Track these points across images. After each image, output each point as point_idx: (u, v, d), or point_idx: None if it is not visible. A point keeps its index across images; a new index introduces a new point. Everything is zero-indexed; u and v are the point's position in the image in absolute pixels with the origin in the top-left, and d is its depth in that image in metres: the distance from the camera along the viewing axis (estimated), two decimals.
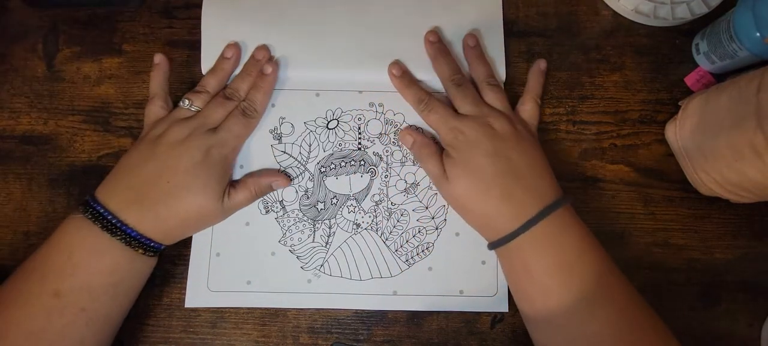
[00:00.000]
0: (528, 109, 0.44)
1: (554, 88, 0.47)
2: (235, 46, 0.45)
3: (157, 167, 0.39)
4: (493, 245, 0.40)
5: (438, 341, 0.43)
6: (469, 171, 0.39)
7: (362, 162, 0.45)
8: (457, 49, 0.46)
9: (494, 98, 0.43)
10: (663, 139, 0.45)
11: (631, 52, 0.47)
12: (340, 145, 0.45)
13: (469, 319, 0.43)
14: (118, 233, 0.37)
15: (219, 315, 0.43)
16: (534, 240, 0.38)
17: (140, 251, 0.38)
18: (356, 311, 0.43)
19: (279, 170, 0.44)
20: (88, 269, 0.36)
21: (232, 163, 0.43)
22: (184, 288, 0.43)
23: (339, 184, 0.44)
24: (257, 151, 0.45)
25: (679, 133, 0.43)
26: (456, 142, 0.40)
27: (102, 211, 0.37)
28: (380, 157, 0.45)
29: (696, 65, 0.47)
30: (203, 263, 0.43)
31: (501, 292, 0.43)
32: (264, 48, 0.45)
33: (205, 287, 0.43)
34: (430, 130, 0.44)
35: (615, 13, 0.48)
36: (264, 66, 0.44)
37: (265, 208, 0.44)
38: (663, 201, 0.45)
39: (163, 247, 0.40)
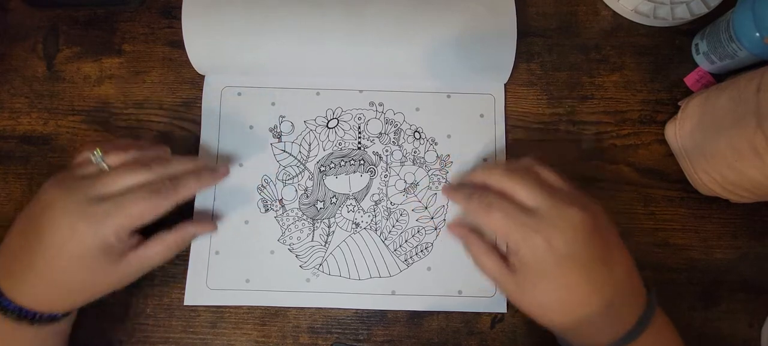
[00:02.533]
0: (550, 174, 0.37)
1: (554, 88, 0.47)
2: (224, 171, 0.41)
3: (32, 231, 0.34)
4: None
5: (438, 341, 0.43)
6: (558, 284, 0.33)
7: (362, 161, 0.45)
8: (463, 49, 0.44)
9: (554, 177, 0.35)
10: (663, 139, 0.45)
11: (631, 53, 0.47)
12: (339, 144, 0.45)
13: (469, 319, 0.43)
14: None
15: (219, 315, 0.43)
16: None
17: (25, 322, 0.34)
18: (356, 311, 0.43)
19: (206, 219, 0.41)
20: None
21: (123, 236, 0.35)
22: (184, 288, 0.43)
23: (338, 183, 0.44)
24: (257, 150, 0.45)
25: (679, 133, 0.43)
26: (532, 252, 0.33)
27: None
28: (380, 157, 0.45)
29: (696, 65, 0.47)
30: (203, 261, 0.43)
31: (500, 292, 0.43)
32: (226, 167, 0.41)
33: (204, 285, 0.43)
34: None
35: (615, 14, 0.48)
36: (220, 165, 0.40)
37: (264, 207, 0.44)
38: (663, 201, 0.45)
39: (58, 315, 0.35)
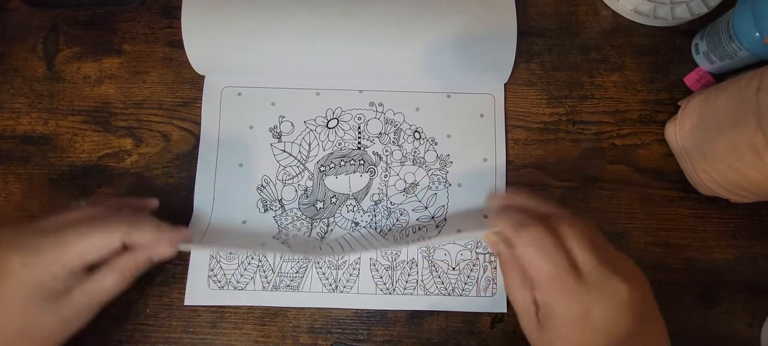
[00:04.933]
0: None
1: (554, 88, 0.47)
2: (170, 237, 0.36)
3: None
4: None
5: (438, 341, 0.43)
6: None
7: (362, 161, 0.45)
8: (463, 49, 0.44)
9: (601, 239, 0.32)
10: (663, 139, 0.45)
11: (631, 52, 0.47)
12: (339, 144, 0.45)
13: (469, 319, 0.43)
14: None
15: (219, 315, 0.43)
16: None
17: None
18: (356, 311, 0.43)
19: (168, 236, 0.35)
20: None
21: (64, 269, 0.32)
22: (184, 288, 0.43)
23: (338, 183, 0.44)
24: (257, 150, 0.45)
25: (678, 133, 0.43)
26: (570, 317, 0.30)
27: None
28: (380, 157, 0.45)
29: (696, 65, 0.47)
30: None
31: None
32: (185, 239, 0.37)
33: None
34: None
35: (615, 13, 0.48)
36: (178, 233, 0.36)
37: (263, 207, 0.44)
38: (663, 201, 0.45)
39: None
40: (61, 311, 0.31)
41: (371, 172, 0.45)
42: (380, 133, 0.45)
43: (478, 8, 0.43)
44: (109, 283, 0.33)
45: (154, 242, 0.34)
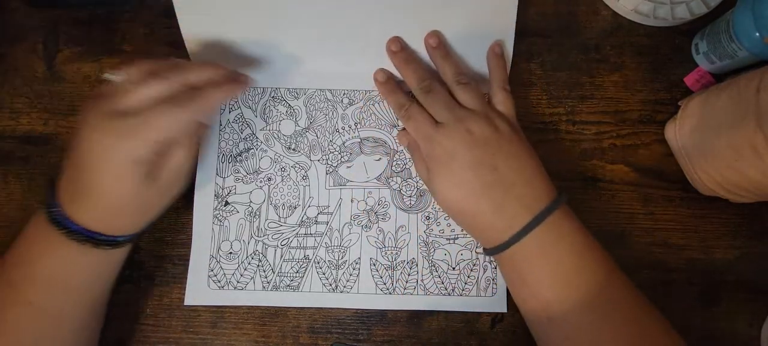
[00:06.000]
0: (499, 99, 0.41)
1: (554, 88, 0.47)
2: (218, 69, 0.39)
3: (79, 156, 0.35)
4: (487, 252, 0.40)
5: (438, 341, 0.43)
6: (453, 185, 0.38)
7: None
8: (464, 49, 0.45)
9: (467, 98, 0.40)
10: (663, 139, 0.45)
11: (631, 52, 0.47)
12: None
13: (469, 319, 0.43)
14: (62, 228, 0.35)
15: (219, 315, 0.43)
16: (527, 250, 0.37)
17: (88, 244, 0.35)
18: (356, 311, 0.43)
19: (223, 77, 0.38)
20: (39, 262, 0.36)
21: (156, 149, 0.35)
22: (184, 288, 0.43)
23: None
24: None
25: (678, 133, 0.43)
26: (434, 154, 0.39)
27: (50, 204, 0.36)
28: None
29: (696, 65, 0.47)
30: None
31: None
32: (247, 77, 0.41)
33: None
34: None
35: (615, 13, 0.48)
36: (240, 75, 0.40)
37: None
38: (663, 201, 0.45)
39: (120, 238, 0.37)
40: (156, 183, 0.36)
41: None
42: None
43: (477, 8, 0.43)
44: (184, 150, 0.37)
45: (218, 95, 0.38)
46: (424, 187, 0.44)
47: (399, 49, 0.44)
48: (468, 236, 0.44)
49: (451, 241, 0.44)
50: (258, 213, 0.44)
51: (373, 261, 0.43)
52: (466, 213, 0.39)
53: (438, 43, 0.43)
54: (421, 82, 0.42)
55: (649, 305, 0.37)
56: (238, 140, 0.45)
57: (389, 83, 0.44)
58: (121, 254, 0.39)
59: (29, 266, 0.36)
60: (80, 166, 0.35)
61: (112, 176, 0.35)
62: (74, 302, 0.37)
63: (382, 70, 0.45)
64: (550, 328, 0.37)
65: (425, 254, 0.43)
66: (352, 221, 0.44)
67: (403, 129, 0.44)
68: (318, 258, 0.43)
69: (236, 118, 0.45)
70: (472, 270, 0.43)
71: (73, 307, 0.37)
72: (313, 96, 0.46)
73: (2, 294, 0.35)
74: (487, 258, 0.43)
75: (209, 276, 0.43)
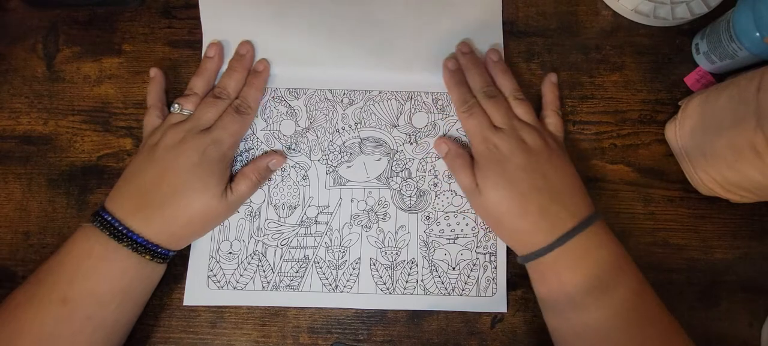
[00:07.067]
0: (552, 122, 0.44)
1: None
2: (218, 45, 0.45)
3: (156, 172, 0.39)
4: (524, 259, 0.40)
5: (438, 341, 0.43)
6: (503, 185, 0.39)
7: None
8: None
9: (523, 112, 0.42)
10: (663, 139, 0.45)
11: (631, 52, 0.47)
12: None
13: (469, 319, 0.43)
14: (125, 240, 0.37)
15: (219, 315, 0.43)
16: (569, 254, 0.37)
17: (147, 256, 0.38)
18: (356, 311, 0.43)
19: (274, 150, 0.45)
20: (96, 277, 0.37)
21: (230, 160, 0.42)
22: (184, 288, 0.43)
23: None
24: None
25: (678, 133, 0.43)
26: (489, 154, 0.40)
27: (110, 219, 0.38)
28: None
29: (696, 65, 0.47)
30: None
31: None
32: (247, 43, 0.45)
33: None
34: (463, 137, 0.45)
35: (615, 13, 0.48)
36: (256, 64, 0.45)
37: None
38: (663, 201, 0.45)
39: (170, 253, 0.40)
40: (223, 203, 0.41)
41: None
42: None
43: (466, 7, 0.45)
44: (246, 187, 0.42)
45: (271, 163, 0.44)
46: (424, 187, 0.44)
47: (469, 50, 0.45)
48: (468, 236, 0.44)
49: (451, 241, 0.44)
50: (258, 213, 0.44)
51: (373, 261, 0.43)
52: (511, 213, 0.39)
53: (499, 58, 0.45)
54: (487, 86, 0.43)
55: (680, 326, 0.37)
56: None
57: (458, 74, 0.45)
58: (164, 270, 0.41)
59: (85, 281, 0.37)
60: (157, 180, 0.39)
61: (199, 187, 0.39)
62: (129, 312, 0.39)
63: (453, 58, 0.45)
64: (584, 335, 0.37)
65: (425, 254, 0.43)
66: (352, 221, 0.44)
67: (442, 137, 0.45)
68: (318, 258, 0.43)
69: None
70: (472, 270, 0.43)
71: (128, 316, 0.39)
72: (313, 96, 0.46)
73: (58, 311, 0.36)
74: (488, 258, 0.43)
75: (209, 276, 0.43)
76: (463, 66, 0.45)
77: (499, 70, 0.45)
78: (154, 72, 0.45)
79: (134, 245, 0.38)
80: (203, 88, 0.44)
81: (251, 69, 0.45)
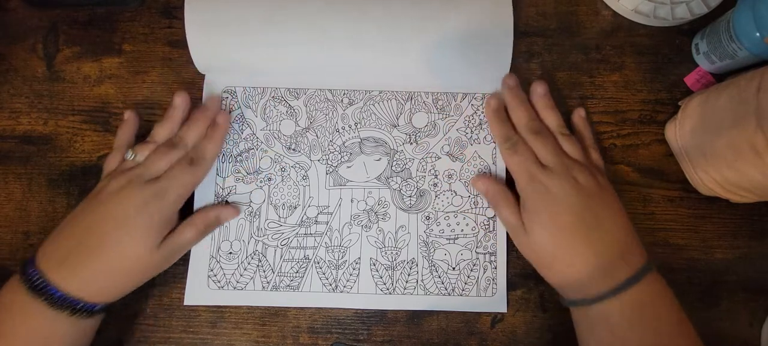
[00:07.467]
0: (594, 158, 0.42)
1: (554, 88, 0.47)
2: (184, 95, 0.43)
3: (91, 221, 0.37)
4: (571, 303, 0.38)
5: (438, 341, 0.43)
6: (554, 228, 0.37)
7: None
8: (463, 51, 0.45)
9: (572, 149, 0.41)
10: (663, 139, 0.45)
11: (631, 52, 0.47)
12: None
13: (469, 319, 0.43)
14: (42, 294, 0.35)
15: (219, 315, 0.43)
16: (624, 307, 0.35)
17: (66, 312, 0.35)
18: (356, 311, 0.43)
19: (227, 203, 0.44)
20: (12, 332, 0.35)
21: (173, 212, 0.40)
22: (184, 288, 0.43)
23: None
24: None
25: (678, 133, 0.43)
26: (537, 195, 0.38)
27: (30, 271, 0.36)
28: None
29: (696, 65, 0.47)
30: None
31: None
32: (215, 97, 0.44)
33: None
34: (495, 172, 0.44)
35: (615, 13, 0.48)
36: (217, 117, 0.43)
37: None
38: (663, 201, 0.45)
39: (98, 306, 0.37)
40: (160, 253, 0.39)
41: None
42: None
43: (475, 8, 0.43)
44: (188, 236, 0.40)
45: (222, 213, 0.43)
46: (424, 187, 0.44)
47: (515, 84, 0.44)
48: (468, 236, 0.44)
49: (451, 241, 0.44)
50: (258, 213, 0.44)
51: (373, 261, 0.43)
52: (560, 259, 0.37)
53: (545, 91, 0.43)
54: (532, 121, 0.42)
55: None
56: (238, 140, 0.45)
57: (501, 113, 0.43)
58: (94, 323, 0.38)
59: (2, 338, 0.35)
60: (88, 230, 0.37)
61: (130, 238, 0.37)
62: None
63: (495, 97, 0.44)
64: None
65: (425, 254, 0.43)
66: (352, 221, 0.44)
67: (482, 175, 0.44)
68: (318, 258, 0.43)
69: (236, 118, 0.45)
70: (472, 270, 0.43)
71: None
72: (313, 96, 0.46)
73: None
74: (488, 258, 0.43)
75: (209, 276, 0.43)
76: (506, 101, 0.43)
77: (545, 105, 0.43)
78: (127, 115, 0.43)
79: (51, 300, 0.35)
80: (165, 136, 0.42)
81: (213, 121, 0.43)
